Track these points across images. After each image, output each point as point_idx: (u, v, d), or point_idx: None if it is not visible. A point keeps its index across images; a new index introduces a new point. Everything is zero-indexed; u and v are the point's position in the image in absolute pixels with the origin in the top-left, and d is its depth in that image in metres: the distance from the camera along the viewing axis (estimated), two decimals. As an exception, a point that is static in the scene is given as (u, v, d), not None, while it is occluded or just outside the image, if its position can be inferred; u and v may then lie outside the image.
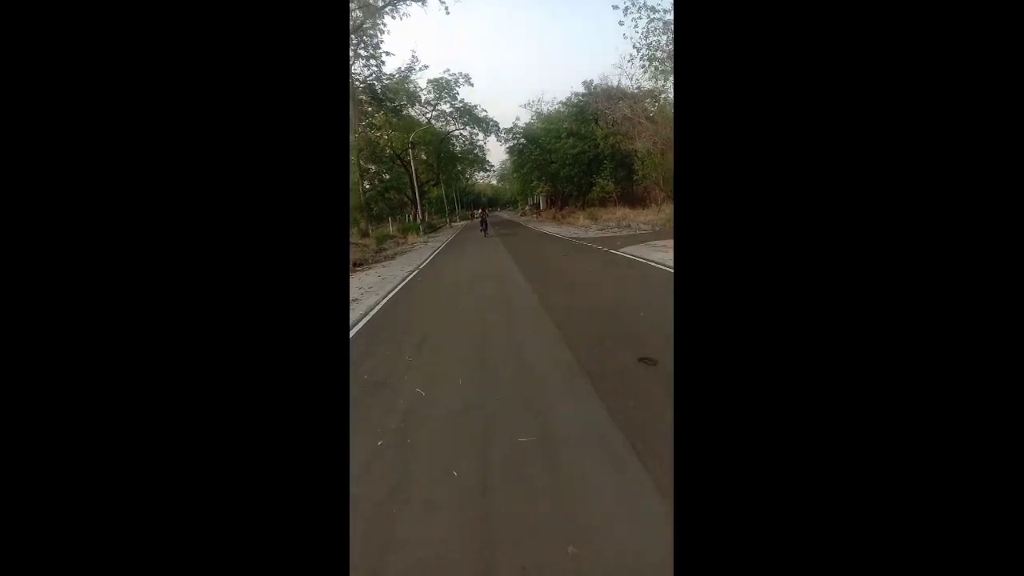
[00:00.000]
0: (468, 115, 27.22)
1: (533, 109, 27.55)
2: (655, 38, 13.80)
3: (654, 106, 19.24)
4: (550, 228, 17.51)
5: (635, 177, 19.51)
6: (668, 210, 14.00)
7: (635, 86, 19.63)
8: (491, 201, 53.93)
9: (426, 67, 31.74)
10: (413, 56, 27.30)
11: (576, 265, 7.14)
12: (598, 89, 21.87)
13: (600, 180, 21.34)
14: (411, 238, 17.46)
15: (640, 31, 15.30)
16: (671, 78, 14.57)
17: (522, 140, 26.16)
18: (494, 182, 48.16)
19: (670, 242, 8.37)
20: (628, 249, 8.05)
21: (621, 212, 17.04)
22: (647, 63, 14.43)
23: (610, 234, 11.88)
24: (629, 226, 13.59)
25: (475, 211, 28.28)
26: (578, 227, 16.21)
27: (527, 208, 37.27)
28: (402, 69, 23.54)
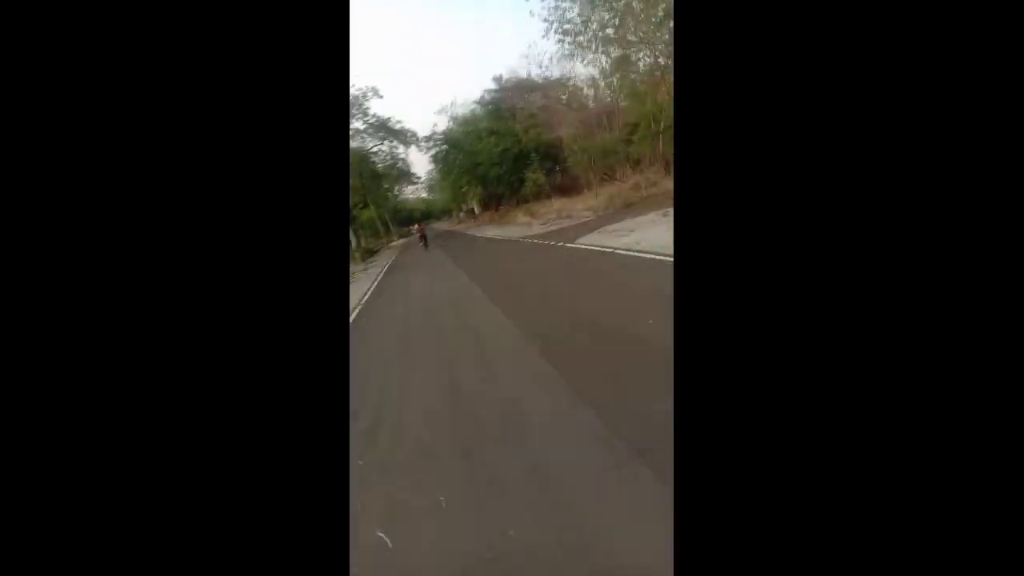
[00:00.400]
0: (384, 129, 25.83)
1: (448, 114, 26.59)
2: (565, 7, 13.33)
3: (564, 94, 19.10)
4: (492, 231, 16.76)
5: (562, 166, 19.27)
6: (604, 193, 13.78)
7: (543, 75, 19.39)
8: (424, 214, 52.09)
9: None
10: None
11: (539, 269, 6.43)
12: (509, 83, 21.46)
13: (530, 175, 20.87)
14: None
15: (548, 5, 14.83)
16: (587, 54, 14.33)
17: (444, 147, 25.21)
18: (424, 195, 46.54)
19: (620, 225, 7.96)
20: (584, 240, 7.48)
21: (558, 203, 16.64)
22: (562, 36, 13.99)
23: (555, 227, 11.34)
24: (570, 216, 13.20)
25: (412, 227, 27.10)
26: (520, 225, 15.62)
27: (462, 215, 36.29)
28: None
